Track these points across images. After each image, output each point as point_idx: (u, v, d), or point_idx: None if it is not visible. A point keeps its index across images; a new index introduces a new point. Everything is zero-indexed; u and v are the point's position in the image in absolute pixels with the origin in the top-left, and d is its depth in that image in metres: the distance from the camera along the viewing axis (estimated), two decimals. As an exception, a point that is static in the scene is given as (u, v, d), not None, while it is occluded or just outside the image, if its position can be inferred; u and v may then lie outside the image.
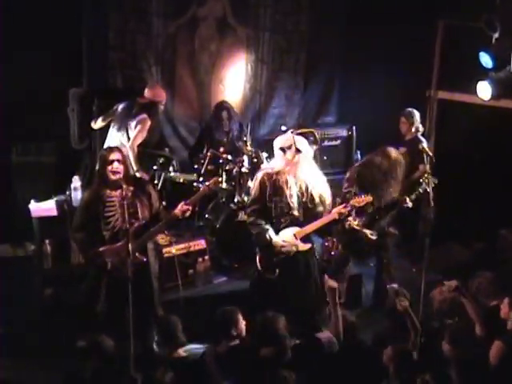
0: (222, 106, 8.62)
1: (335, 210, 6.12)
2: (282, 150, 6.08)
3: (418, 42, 8.43)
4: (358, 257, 7.28)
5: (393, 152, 6.86)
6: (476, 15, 7.08)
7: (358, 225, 6.73)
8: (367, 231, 6.85)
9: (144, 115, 7.55)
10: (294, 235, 6.14)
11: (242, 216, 7.39)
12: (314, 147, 6.19)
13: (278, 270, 6.14)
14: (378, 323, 6.41)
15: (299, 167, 6.09)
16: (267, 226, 6.11)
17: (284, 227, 6.14)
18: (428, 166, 6.75)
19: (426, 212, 6.65)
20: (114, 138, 7.58)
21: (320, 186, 6.17)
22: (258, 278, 6.29)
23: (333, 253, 7.23)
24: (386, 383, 4.97)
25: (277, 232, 6.14)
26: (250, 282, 6.52)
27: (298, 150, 6.02)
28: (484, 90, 7.18)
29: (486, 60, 7.05)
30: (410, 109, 8.11)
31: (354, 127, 9.19)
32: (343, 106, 9.89)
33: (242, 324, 5.32)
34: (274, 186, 6.10)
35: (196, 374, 5.03)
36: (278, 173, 6.11)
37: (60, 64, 8.02)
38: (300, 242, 6.16)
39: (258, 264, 6.22)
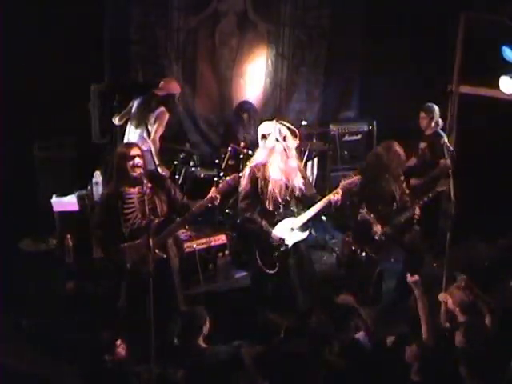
0: (244, 107, 8.65)
1: (327, 197, 6.03)
2: (263, 137, 6.05)
3: (439, 35, 8.37)
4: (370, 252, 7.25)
5: (395, 146, 6.84)
6: (499, 8, 7.03)
7: (367, 213, 6.71)
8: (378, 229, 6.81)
9: (163, 109, 7.59)
10: (291, 228, 6.11)
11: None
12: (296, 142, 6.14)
13: (278, 264, 6.10)
14: (399, 319, 6.38)
15: (280, 157, 6.00)
16: (263, 221, 6.06)
17: (279, 220, 6.09)
18: (449, 161, 6.70)
19: (446, 207, 6.61)
20: (133, 134, 7.61)
21: (298, 180, 6.11)
22: (259, 274, 6.22)
23: (353, 248, 7.20)
24: (408, 380, 4.95)
25: (273, 225, 6.09)
26: (251, 278, 6.50)
27: (276, 140, 5.96)
28: (507, 85, 7.12)
29: (508, 54, 6.99)
30: (429, 103, 8.05)
31: (374, 122, 9.16)
32: (364, 100, 9.85)
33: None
34: (264, 179, 6.04)
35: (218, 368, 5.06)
36: (264, 165, 6.05)
37: (81, 60, 8.08)
38: (298, 231, 6.13)
39: (259, 260, 6.14)
